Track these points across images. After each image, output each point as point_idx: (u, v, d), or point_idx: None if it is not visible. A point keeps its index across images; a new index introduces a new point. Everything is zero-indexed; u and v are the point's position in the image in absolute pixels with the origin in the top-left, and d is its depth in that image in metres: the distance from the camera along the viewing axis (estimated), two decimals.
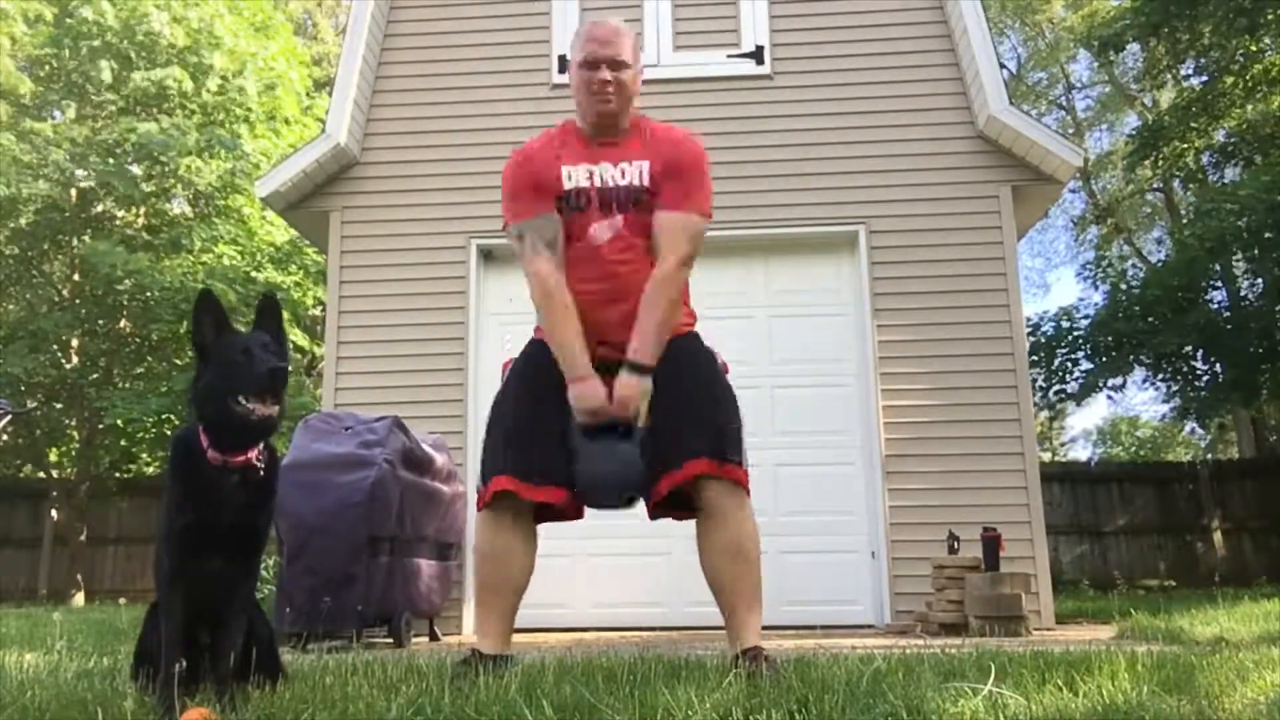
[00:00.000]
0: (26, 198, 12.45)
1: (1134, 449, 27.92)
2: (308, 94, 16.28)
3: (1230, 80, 13.44)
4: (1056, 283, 44.00)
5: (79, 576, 12.73)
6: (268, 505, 2.35)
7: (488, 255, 6.92)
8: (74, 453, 14.06)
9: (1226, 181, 14.75)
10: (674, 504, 2.74)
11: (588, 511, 2.82)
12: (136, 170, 12.78)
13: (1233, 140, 14.33)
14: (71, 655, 3.39)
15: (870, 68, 7.08)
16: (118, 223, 13.76)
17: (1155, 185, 20.27)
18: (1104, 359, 12.40)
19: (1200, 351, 12.09)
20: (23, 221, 12.87)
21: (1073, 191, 22.34)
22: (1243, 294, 13.14)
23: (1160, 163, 14.96)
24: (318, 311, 14.14)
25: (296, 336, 14.09)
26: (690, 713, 1.88)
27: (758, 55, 7.11)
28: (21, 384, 12.37)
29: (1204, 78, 14.44)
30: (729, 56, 7.14)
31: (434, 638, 5.75)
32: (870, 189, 6.85)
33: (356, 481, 4.81)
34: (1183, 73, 16.25)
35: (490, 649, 2.66)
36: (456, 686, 2.21)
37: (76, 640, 4.21)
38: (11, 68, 13.56)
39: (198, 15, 13.66)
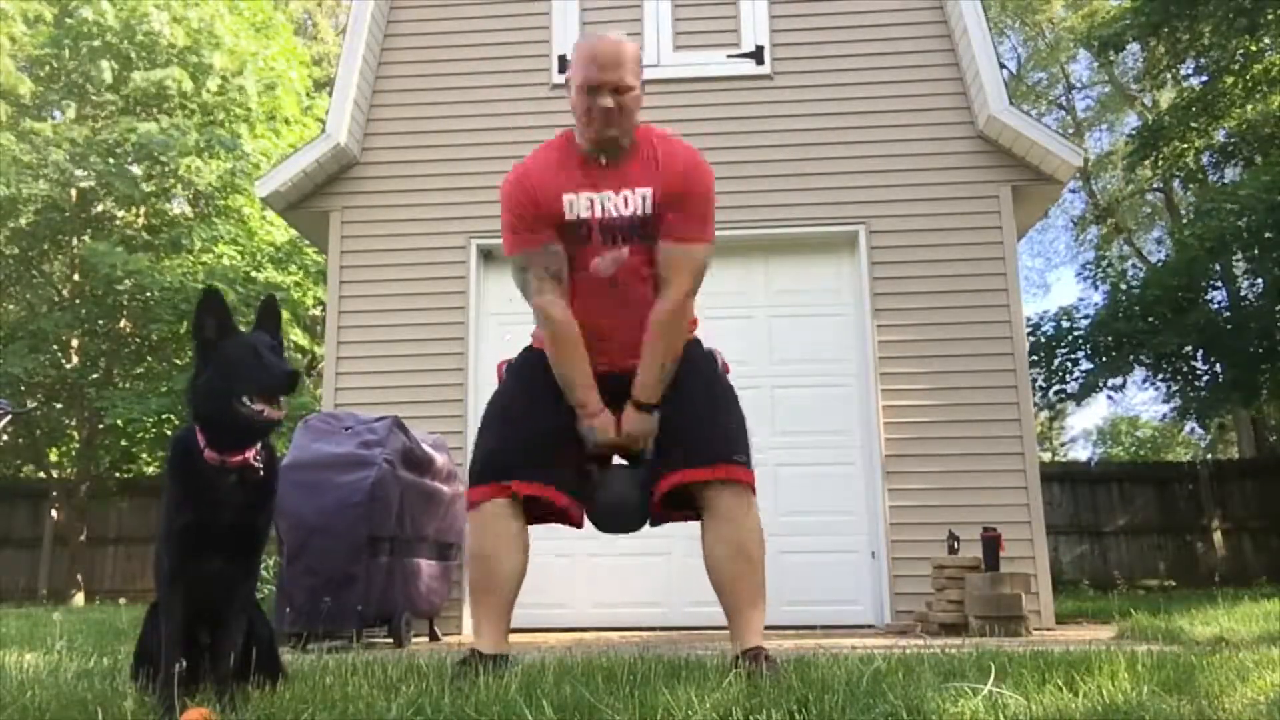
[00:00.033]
0: (26, 198, 12.45)
1: (1134, 449, 27.90)
2: (308, 94, 16.28)
3: (1230, 80, 13.44)
4: (1056, 283, 44.06)
5: (79, 576, 12.73)
6: (267, 505, 2.35)
7: (488, 255, 6.92)
8: (74, 453, 14.06)
9: (1226, 181, 14.75)
10: (677, 505, 2.74)
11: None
12: (136, 170, 12.77)
13: (1233, 140, 14.33)
14: (71, 655, 3.38)
15: (870, 68, 7.08)
16: (118, 223, 13.76)
17: (1155, 185, 20.28)
18: (1104, 359, 12.40)
19: (1200, 351, 12.08)
20: (23, 221, 12.87)
21: (1073, 191, 22.38)
22: (1243, 294, 13.13)
23: (1160, 163, 14.96)
24: (318, 311, 14.13)
25: (296, 336, 14.10)
26: (690, 713, 1.88)
27: (758, 55, 7.11)
28: (21, 384, 12.37)
29: (1204, 78, 14.44)
30: (729, 56, 7.14)
31: (434, 638, 5.75)
32: (870, 189, 6.85)
33: (356, 481, 4.81)
34: (1183, 73, 16.24)
35: (488, 649, 2.66)
36: (456, 686, 2.21)
37: (76, 640, 4.20)
38: (11, 68, 13.55)
39: (198, 15, 13.67)
